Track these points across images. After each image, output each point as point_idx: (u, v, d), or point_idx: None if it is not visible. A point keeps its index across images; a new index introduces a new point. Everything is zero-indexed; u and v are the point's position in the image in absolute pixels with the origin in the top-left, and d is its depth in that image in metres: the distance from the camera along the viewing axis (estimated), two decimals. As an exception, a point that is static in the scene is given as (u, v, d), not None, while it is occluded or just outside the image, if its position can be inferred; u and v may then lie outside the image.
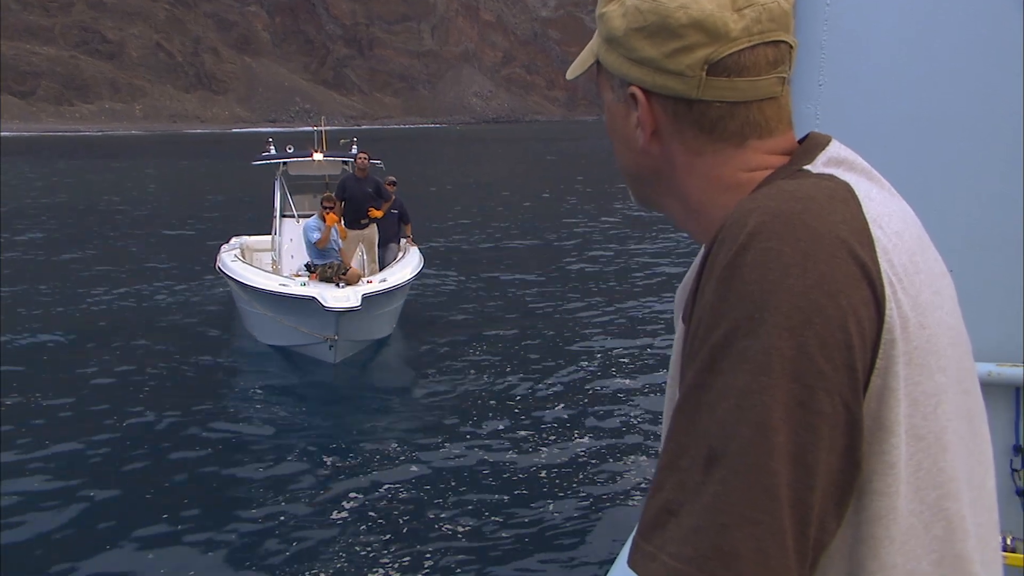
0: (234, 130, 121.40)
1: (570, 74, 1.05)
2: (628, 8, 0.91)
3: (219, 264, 11.14)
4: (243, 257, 11.68)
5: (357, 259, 11.37)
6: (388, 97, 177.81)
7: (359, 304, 8.83)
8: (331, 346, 9.15)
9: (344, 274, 9.90)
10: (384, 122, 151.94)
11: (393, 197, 11.73)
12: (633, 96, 0.92)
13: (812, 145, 0.92)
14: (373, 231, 11.65)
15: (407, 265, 10.86)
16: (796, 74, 2.24)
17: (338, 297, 8.88)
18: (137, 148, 69.92)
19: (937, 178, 2.05)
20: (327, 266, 10.01)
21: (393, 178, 12.15)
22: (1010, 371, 1.98)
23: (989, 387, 1.94)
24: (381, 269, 11.20)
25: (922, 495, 0.79)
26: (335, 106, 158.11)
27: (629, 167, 0.99)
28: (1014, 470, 2.00)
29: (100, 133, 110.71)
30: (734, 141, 0.91)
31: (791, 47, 0.91)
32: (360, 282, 9.74)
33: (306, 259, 10.61)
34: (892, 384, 0.77)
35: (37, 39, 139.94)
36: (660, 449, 0.80)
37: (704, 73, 0.88)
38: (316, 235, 10.13)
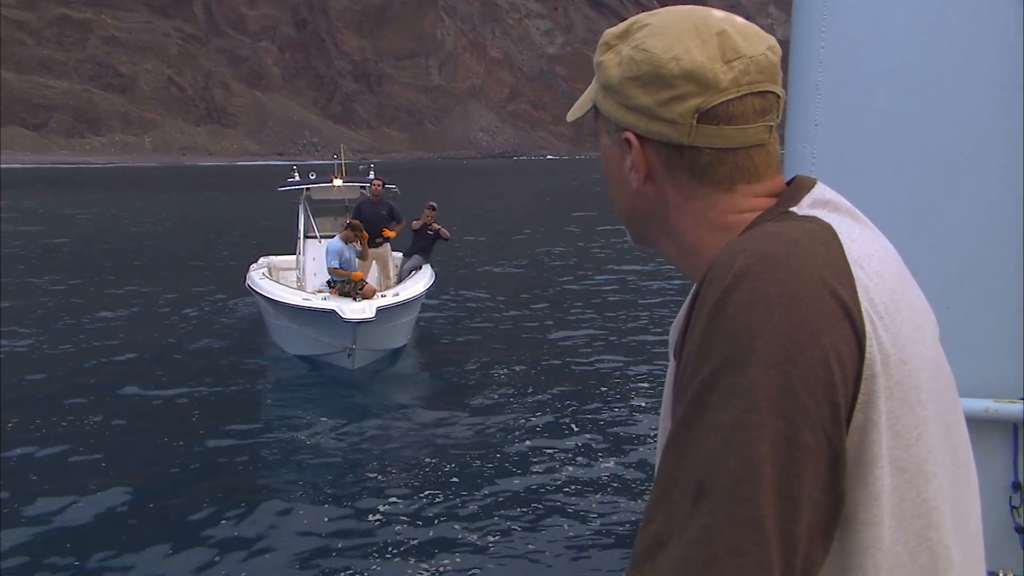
0: (238, 163, 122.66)
1: (570, 117, 1.08)
2: (623, 58, 0.95)
3: (248, 282, 12.00)
4: (270, 275, 12.57)
5: (372, 275, 12.28)
6: (395, 132, 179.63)
7: (374, 315, 9.62)
8: (349, 354, 9.95)
9: (361, 289, 10.81)
10: (391, 156, 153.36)
11: (403, 222, 12.61)
12: (628, 141, 0.96)
13: (798, 188, 0.95)
14: (386, 249, 12.72)
15: (418, 281, 11.69)
16: (792, 115, 2.27)
17: (355, 309, 9.69)
18: (151, 180, 70.75)
19: (932, 218, 2.06)
20: (345, 282, 10.91)
21: (433, 203, 12.91)
22: (1008, 407, 1.96)
23: (987, 423, 1.93)
24: (401, 276, 12.33)
25: (906, 525, 0.81)
26: (343, 140, 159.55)
27: (625, 208, 1.03)
28: (1013, 507, 1.95)
29: (110, 165, 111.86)
30: (724, 185, 0.94)
31: (779, 97, 0.95)
32: (375, 296, 10.58)
33: (327, 277, 11.48)
34: (874, 418, 0.79)
35: (51, 72, 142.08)
36: (652, 481, 0.82)
37: (695, 121, 0.91)
38: (335, 261, 11.01)
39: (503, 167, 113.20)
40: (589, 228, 30.39)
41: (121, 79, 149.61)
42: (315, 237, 13.49)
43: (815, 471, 0.75)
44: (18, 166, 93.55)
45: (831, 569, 0.79)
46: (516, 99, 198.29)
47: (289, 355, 11.05)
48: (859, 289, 0.81)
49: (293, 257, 13.84)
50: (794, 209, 0.91)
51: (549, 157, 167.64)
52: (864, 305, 0.81)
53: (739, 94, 0.91)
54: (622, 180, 1.00)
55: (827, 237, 0.85)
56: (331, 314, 9.67)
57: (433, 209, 12.64)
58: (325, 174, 14.08)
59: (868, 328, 0.80)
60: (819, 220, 0.88)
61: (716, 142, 0.92)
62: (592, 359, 11.36)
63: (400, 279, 12.28)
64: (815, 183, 0.95)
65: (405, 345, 11.48)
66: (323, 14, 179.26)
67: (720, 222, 0.95)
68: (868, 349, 0.79)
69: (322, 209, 14.22)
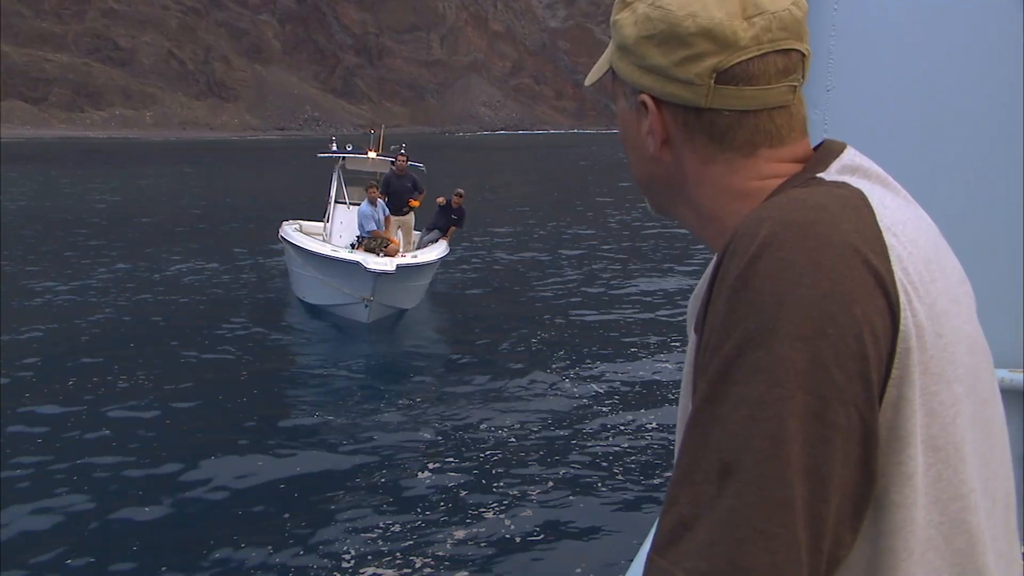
0: (234, 137, 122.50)
1: (587, 81, 1.04)
2: (639, 16, 0.92)
3: (281, 233, 13.25)
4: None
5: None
6: (396, 106, 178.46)
7: (394, 269, 10.75)
8: (367, 305, 10.94)
9: (385, 247, 12.19)
10: (392, 131, 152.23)
11: (424, 192, 14.07)
12: (644, 104, 0.93)
13: (826, 152, 0.91)
14: (410, 218, 14.20)
15: (434, 250, 13.04)
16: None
17: (378, 262, 10.81)
18: (157, 154, 70.57)
19: (945, 182, 2.03)
20: (371, 238, 12.31)
21: (461, 191, 14.27)
22: (1021, 377, 1.94)
23: (1001, 393, 2.01)
24: (419, 247, 13.64)
25: (942, 507, 0.78)
26: (344, 114, 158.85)
27: (642, 175, 1.00)
28: None
29: (112, 139, 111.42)
30: (744, 150, 0.90)
31: (803, 55, 0.91)
32: (397, 256, 11.83)
33: (352, 239, 12.87)
34: (908, 394, 0.76)
35: (49, 46, 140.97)
36: (674, 461, 0.79)
37: (712, 81, 0.88)
38: (372, 224, 12.37)
39: (507, 141, 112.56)
40: (593, 200, 30.29)
41: (120, 52, 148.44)
42: (345, 203, 14.80)
43: (845, 450, 0.72)
44: (19, 139, 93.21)
45: (861, 551, 0.77)
46: (518, 73, 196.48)
47: (308, 310, 11.86)
48: (892, 258, 0.77)
49: (321, 224, 14.97)
50: (822, 175, 0.87)
51: (539, 132, 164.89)
52: (898, 275, 0.77)
53: (760, 52, 0.87)
54: (639, 145, 0.96)
55: (858, 203, 0.81)
56: (356, 265, 10.68)
57: (460, 196, 14.07)
58: (361, 147, 15.49)
59: (902, 299, 0.76)
60: (849, 186, 0.84)
61: (735, 104, 0.88)
62: (608, 324, 11.63)
63: (418, 248, 13.51)
64: (844, 147, 0.91)
65: (413, 308, 12.54)
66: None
67: (741, 189, 0.91)
68: (903, 321, 0.76)
69: (354, 179, 15.37)
